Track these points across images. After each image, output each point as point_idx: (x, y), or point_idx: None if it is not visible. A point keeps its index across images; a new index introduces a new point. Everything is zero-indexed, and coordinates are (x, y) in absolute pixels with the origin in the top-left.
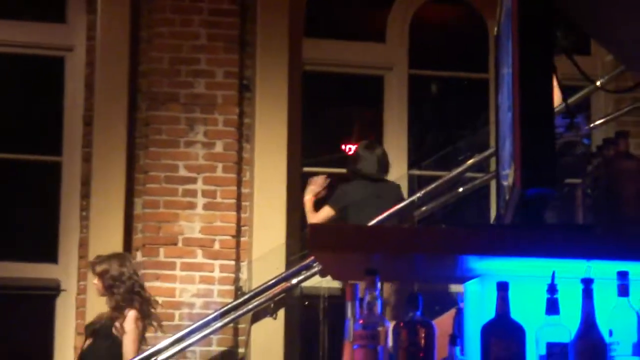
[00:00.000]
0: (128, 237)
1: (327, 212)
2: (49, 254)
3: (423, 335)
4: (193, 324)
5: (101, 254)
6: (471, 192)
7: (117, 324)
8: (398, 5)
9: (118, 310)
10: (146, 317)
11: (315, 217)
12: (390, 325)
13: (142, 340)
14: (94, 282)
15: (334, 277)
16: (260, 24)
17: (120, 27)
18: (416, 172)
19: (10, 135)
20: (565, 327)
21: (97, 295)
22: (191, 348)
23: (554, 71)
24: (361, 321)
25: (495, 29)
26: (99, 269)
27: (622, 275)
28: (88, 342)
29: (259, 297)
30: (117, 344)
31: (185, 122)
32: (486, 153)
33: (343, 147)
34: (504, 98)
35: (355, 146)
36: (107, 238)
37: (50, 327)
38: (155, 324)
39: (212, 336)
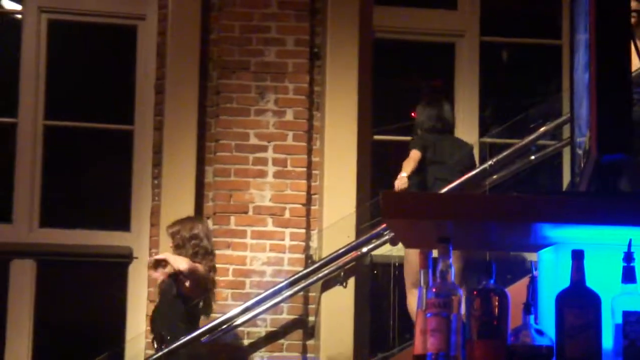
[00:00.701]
0: (199, 205)
1: (414, 154)
2: (122, 222)
3: (497, 303)
4: (264, 292)
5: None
6: (543, 161)
7: (185, 281)
8: None
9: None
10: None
11: (407, 164)
12: (463, 293)
13: (209, 303)
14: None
15: (406, 246)
16: None
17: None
18: (487, 139)
19: (84, 104)
20: None
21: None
22: (262, 316)
23: (631, 34)
24: (434, 289)
25: None
26: (171, 230)
27: None
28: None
29: (329, 266)
30: (179, 301)
31: (256, 90)
32: (560, 120)
33: (414, 115)
34: (579, 64)
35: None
36: (179, 206)
37: (123, 294)
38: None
39: (282, 304)
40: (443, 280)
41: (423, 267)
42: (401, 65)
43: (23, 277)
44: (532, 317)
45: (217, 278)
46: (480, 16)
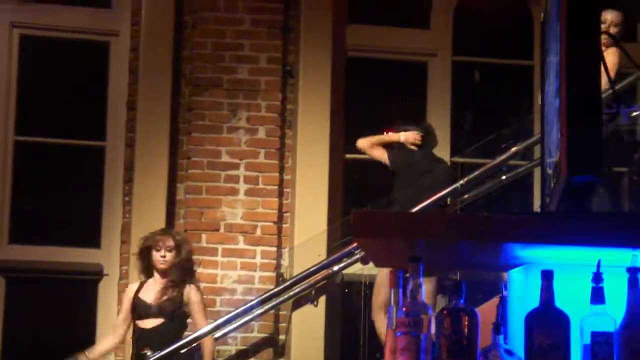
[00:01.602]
0: (170, 222)
1: (380, 152)
2: (92, 239)
3: (466, 323)
4: (234, 310)
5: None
6: (514, 181)
7: (185, 298)
8: (438, 12)
9: (178, 286)
10: None
11: (369, 144)
12: (433, 313)
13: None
14: (162, 256)
15: (377, 265)
16: (304, 9)
17: (164, 12)
18: (459, 159)
19: (55, 120)
20: (610, 317)
21: (164, 267)
22: (232, 334)
23: (600, 57)
24: (404, 308)
25: (542, 15)
26: (176, 241)
27: None
28: (155, 321)
29: (300, 284)
30: (182, 321)
31: (228, 107)
32: (531, 140)
33: (386, 134)
34: (550, 85)
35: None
36: (150, 223)
37: (93, 311)
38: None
39: (253, 322)
40: (413, 300)
41: (394, 286)
42: (374, 83)
43: None
44: (501, 337)
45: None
46: (453, 36)
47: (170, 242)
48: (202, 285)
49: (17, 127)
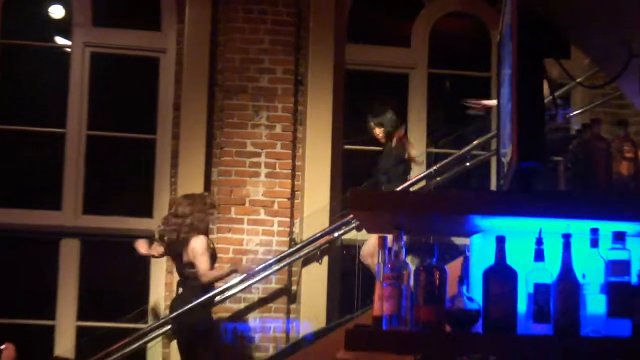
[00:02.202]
0: (207, 191)
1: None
2: (147, 211)
3: (438, 276)
4: (257, 267)
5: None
6: (475, 167)
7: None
8: (420, 18)
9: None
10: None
11: None
12: (412, 269)
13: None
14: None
15: (368, 231)
16: (312, 32)
17: (202, 35)
18: (433, 150)
19: (118, 118)
20: (548, 271)
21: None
22: (255, 285)
23: (543, 71)
24: (389, 265)
25: (498, 37)
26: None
27: (594, 231)
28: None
29: (308, 247)
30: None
31: (252, 108)
32: (488, 135)
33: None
34: (504, 91)
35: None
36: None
37: (147, 264)
38: None
39: (271, 276)
40: (396, 259)
41: (381, 247)
42: (366, 90)
43: (70, 253)
44: (464, 287)
45: (220, 255)
46: (429, 53)
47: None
48: (231, 247)
49: (89, 124)
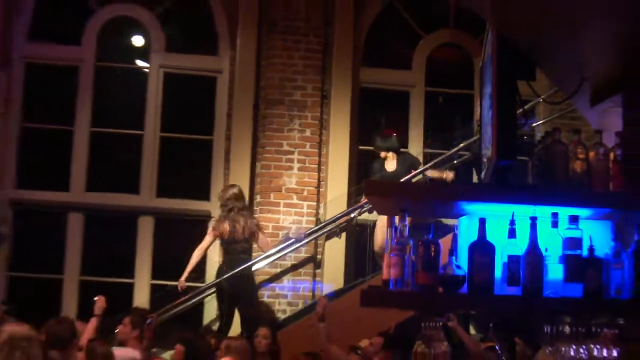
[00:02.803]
0: (252, 186)
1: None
2: (205, 195)
3: (433, 249)
4: (291, 240)
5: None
6: (462, 164)
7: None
8: (419, 47)
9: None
10: None
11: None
12: (413, 243)
13: None
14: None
15: (379, 213)
16: (335, 58)
17: (249, 59)
18: (429, 150)
19: (185, 123)
20: (519, 246)
21: None
22: (289, 254)
23: (516, 91)
24: (395, 240)
25: (481, 63)
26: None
27: (554, 215)
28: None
29: (330, 225)
30: None
31: (288, 117)
32: (472, 139)
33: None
34: (485, 104)
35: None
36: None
37: (203, 238)
38: None
39: (301, 247)
40: (401, 235)
41: (389, 226)
42: (376, 103)
43: (146, 227)
44: (454, 258)
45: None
46: (426, 74)
47: None
48: (270, 224)
49: (162, 127)
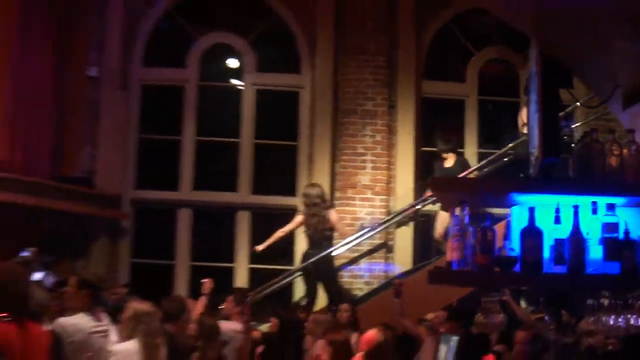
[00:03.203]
0: (332, 184)
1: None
2: (291, 191)
3: (489, 235)
4: (366, 228)
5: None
6: (511, 162)
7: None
8: (472, 62)
9: None
10: None
11: None
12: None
13: None
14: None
15: (442, 205)
16: (400, 73)
17: (327, 76)
18: (482, 150)
19: (274, 131)
20: (564, 230)
21: None
22: (365, 240)
23: (558, 97)
24: (457, 227)
25: (527, 77)
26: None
27: (594, 203)
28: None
29: (399, 215)
30: None
31: (361, 124)
32: (517, 141)
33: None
34: (532, 109)
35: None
36: (322, 184)
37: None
38: None
39: (376, 235)
40: (461, 223)
41: (451, 215)
42: (436, 111)
43: (243, 220)
44: (507, 241)
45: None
46: (478, 85)
47: None
48: (348, 216)
49: (255, 135)
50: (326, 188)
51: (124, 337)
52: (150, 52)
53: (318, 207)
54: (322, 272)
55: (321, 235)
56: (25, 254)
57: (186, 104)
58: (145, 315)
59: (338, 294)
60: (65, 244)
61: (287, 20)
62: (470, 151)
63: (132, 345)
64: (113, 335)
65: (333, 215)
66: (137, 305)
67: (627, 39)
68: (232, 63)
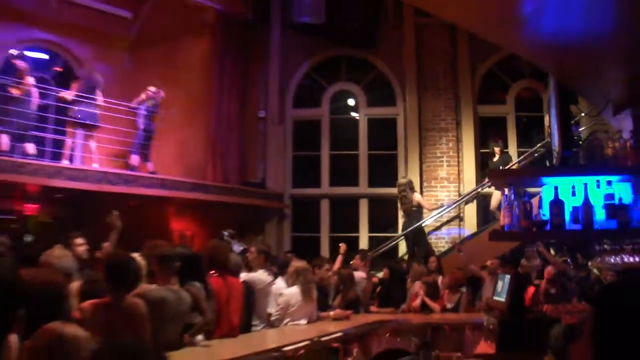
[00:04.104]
0: (421, 178)
1: None
2: (393, 184)
3: (529, 206)
4: (445, 206)
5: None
6: (541, 156)
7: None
8: (510, 90)
9: None
10: None
11: None
12: (517, 203)
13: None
14: None
15: (495, 187)
16: (462, 100)
17: (413, 105)
18: (520, 149)
19: (380, 144)
20: (578, 200)
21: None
22: (444, 214)
23: (569, 110)
24: (506, 202)
25: (547, 97)
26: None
27: (597, 181)
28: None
29: (467, 196)
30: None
31: (438, 136)
32: (545, 141)
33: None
34: (552, 120)
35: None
36: (413, 178)
37: (395, 208)
38: None
39: (451, 210)
40: (510, 198)
41: (502, 193)
42: (488, 125)
43: (364, 204)
44: (541, 210)
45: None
46: (515, 105)
47: None
48: (433, 198)
49: (368, 147)
50: (417, 181)
51: (289, 284)
52: (297, 99)
53: (405, 192)
54: (415, 236)
55: (410, 211)
56: (226, 233)
57: (322, 131)
58: (302, 270)
59: (427, 251)
60: (249, 225)
61: (385, 72)
62: (511, 150)
63: (295, 289)
64: (281, 282)
65: (416, 197)
66: (297, 263)
67: (614, 69)
68: (351, 102)
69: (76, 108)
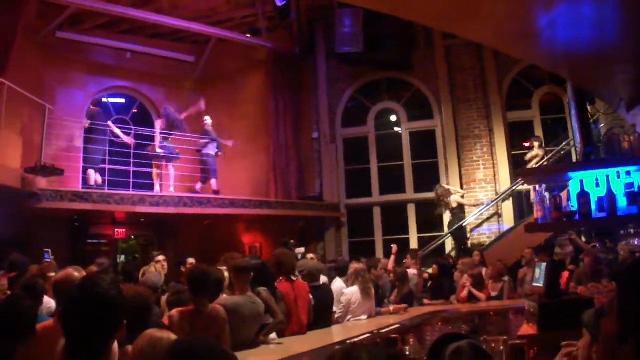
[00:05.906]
0: (461, 180)
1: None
2: (431, 189)
3: (559, 199)
4: (485, 205)
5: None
6: (565, 153)
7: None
8: (535, 96)
9: None
10: None
11: None
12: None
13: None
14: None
15: (528, 184)
16: (492, 108)
17: (449, 117)
18: (547, 148)
19: (420, 154)
20: (602, 191)
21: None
22: (484, 212)
23: (588, 111)
24: (539, 196)
25: (568, 100)
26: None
27: (617, 172)
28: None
29: (503, 195)
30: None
31: (473, 143)
32: (569, 140)
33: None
34: (574, 120)
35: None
36: (453, 183)
37: (441, 217)
38: None
39: (490, 208)
40: (541, 193)
41: (534, 190)
42: (516, 129)
43: (411, 209)
44: (569, 202)
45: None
46: (539, 110)
47: None
48: (473, 198)
49: (412, 157)
50: (458, 183)
51: (350, 284)
52: (345, 119)
53: (443, 196)
54: (458, 233)
55: (452, 213)
56: (290, 241)
57: (369, 146)
58: (361, 271)
59: (470, 247)
60: (311, 235)
61: (422, 89)
62: (540, 150)
63: (355, 288)
64: (341, 283)
65: (454, 199)
66: (356, 265)
67: (625, 71)
68: (393, 118)
69: (158, 144)
